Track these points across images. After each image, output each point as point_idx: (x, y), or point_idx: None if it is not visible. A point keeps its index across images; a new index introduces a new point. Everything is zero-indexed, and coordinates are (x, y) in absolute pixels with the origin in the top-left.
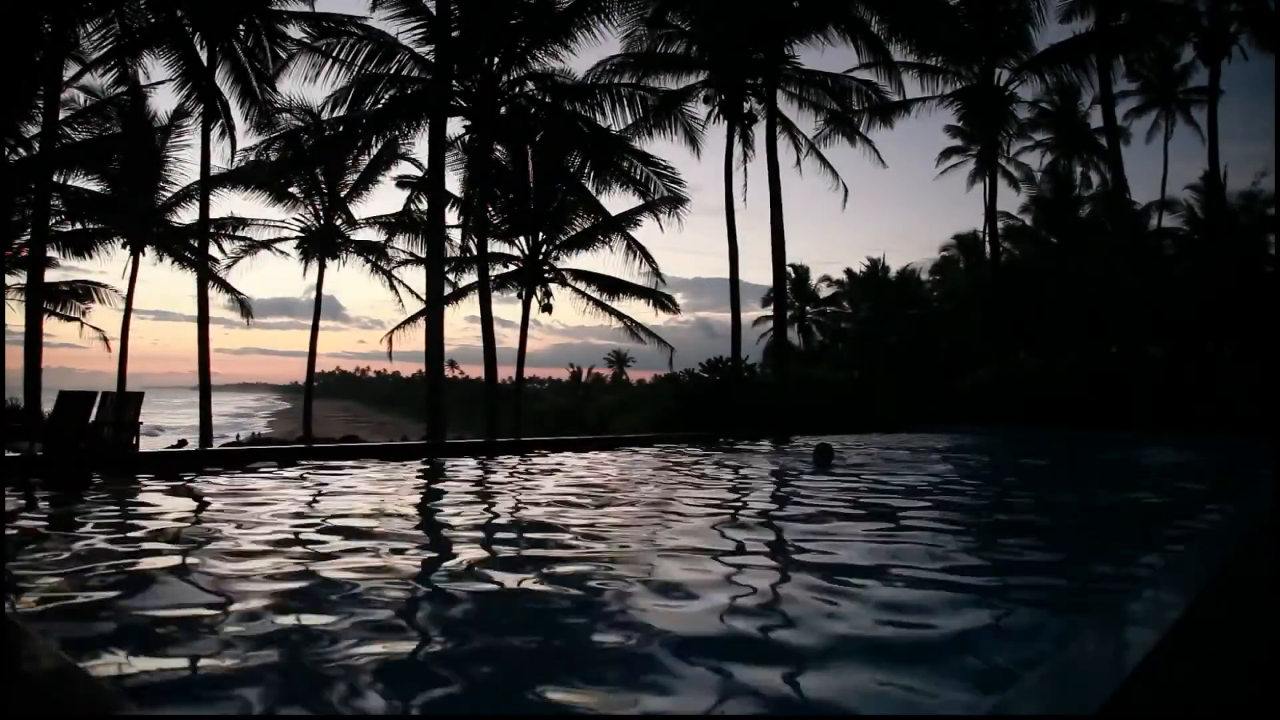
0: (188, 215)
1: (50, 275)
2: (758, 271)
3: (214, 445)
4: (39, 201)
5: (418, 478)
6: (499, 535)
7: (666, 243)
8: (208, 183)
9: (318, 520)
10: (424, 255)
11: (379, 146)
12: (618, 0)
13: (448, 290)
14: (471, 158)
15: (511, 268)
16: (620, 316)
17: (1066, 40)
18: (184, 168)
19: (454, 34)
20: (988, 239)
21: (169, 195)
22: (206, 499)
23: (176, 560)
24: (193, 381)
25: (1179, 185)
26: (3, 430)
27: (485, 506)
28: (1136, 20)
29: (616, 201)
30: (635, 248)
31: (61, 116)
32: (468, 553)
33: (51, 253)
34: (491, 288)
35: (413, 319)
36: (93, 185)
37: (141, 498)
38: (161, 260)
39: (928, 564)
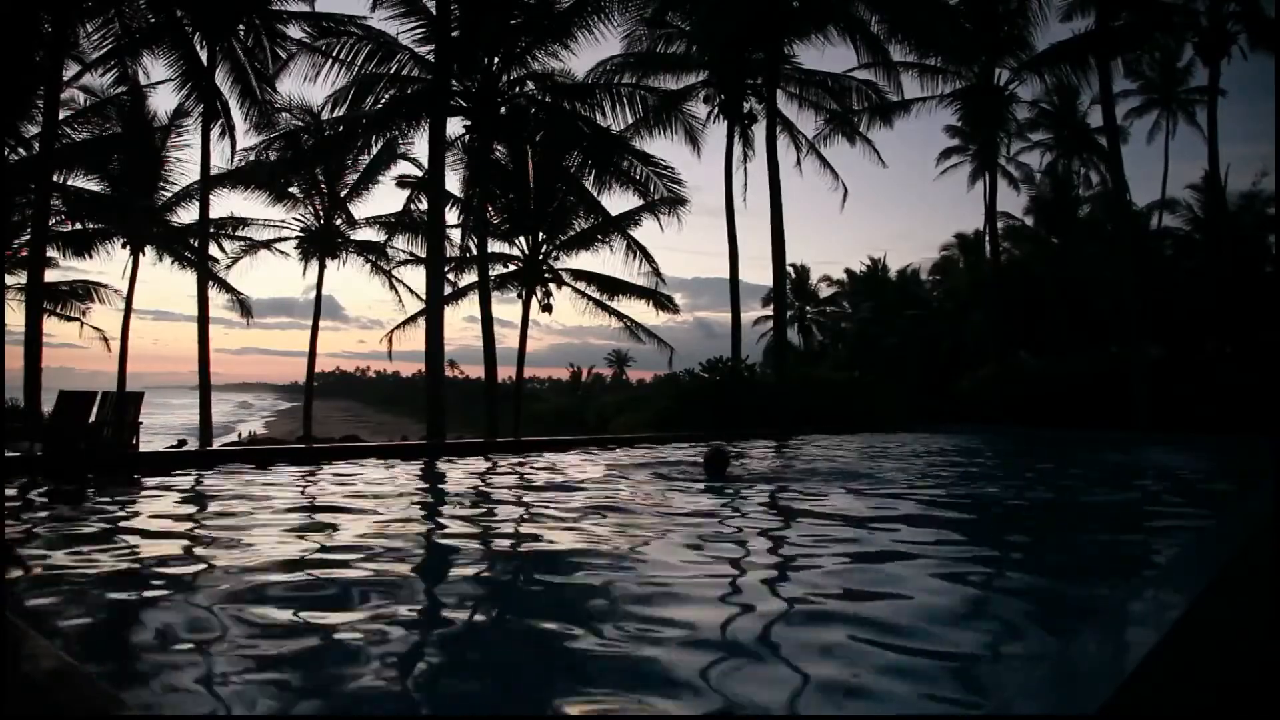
0: (188, 215)
1: (50, 275)
2: (758, 271)
3: (214, 445)
4: (39, 201)
5: (417, 478)
6: (497, 535)
7: (666, 243)
8: (208, 183)
9: (317, 520)
10: (424, 255)
11: (379, 146)
12: (618, 0)
13: (448, 290)
14: (471, 158)
15: (511, 268)
16: (620, 316)
17: (1066, 40)
18: (184, 168)
19: (454, 34)
20: (988, 239)
21: (169, 195)
22: (206, 499)
23: (176, 559)
24: (193, 381)
25: (1179, 185)
26: (3, 430)
27: (483, 506)
28: (1136, 20)
29: (616, 201)
30: (635, 248)
31: (61, 116)
32: (464, 553)
33: (51, 253)
34: (491, 288)
35: (413, 319)
36: (93, 185)
37: (141, 497)
38: (161, 260)
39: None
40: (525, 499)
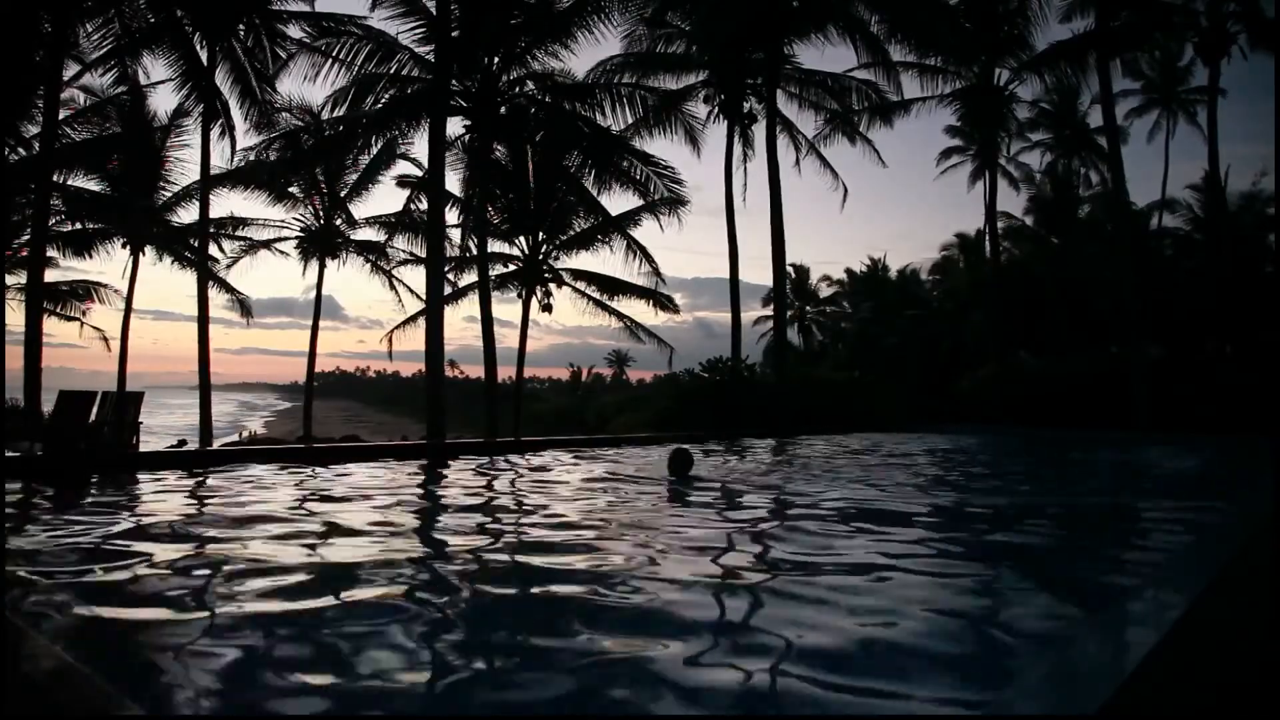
0: (188, 215)
1: (50, 275)
2: (758, 271)
3: (214, 445)
4: (39, 201)
5: (417, 478)
6: (495, 534)
7: (666, 243)
8: (208, 182)
9: (317, 520)
10: (424, 255)
11: (379, 146)
12: (618, 0)
13: (448, 290)
14: (471, 158)
15: (511, 268)
16: (620, 316)
17: (1066, 40)
18: (184, 168)
19: (454, 34)
20: (988, 239)
21: (169, 195)
22: (206, 499)
23: (176, 560)
24: (193, 381)
25: (1179, 185)
26: (3, 430)
27: (482, 505)
28: (1136, 20)
29: (616, 201)
30: (635, 248)
31: (61, 116)
32: (464, 552)
33: (51, 253)
34: (491, 288)
35: (413, 319)
36: (93, 185)
37: (141, 498)
38: (161, 260)
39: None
40: (524, 498)
